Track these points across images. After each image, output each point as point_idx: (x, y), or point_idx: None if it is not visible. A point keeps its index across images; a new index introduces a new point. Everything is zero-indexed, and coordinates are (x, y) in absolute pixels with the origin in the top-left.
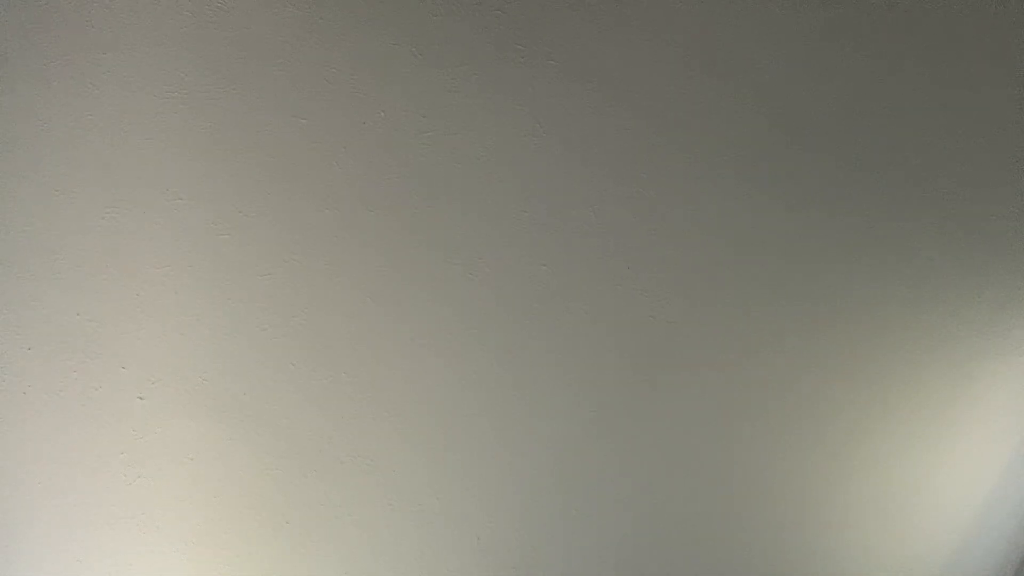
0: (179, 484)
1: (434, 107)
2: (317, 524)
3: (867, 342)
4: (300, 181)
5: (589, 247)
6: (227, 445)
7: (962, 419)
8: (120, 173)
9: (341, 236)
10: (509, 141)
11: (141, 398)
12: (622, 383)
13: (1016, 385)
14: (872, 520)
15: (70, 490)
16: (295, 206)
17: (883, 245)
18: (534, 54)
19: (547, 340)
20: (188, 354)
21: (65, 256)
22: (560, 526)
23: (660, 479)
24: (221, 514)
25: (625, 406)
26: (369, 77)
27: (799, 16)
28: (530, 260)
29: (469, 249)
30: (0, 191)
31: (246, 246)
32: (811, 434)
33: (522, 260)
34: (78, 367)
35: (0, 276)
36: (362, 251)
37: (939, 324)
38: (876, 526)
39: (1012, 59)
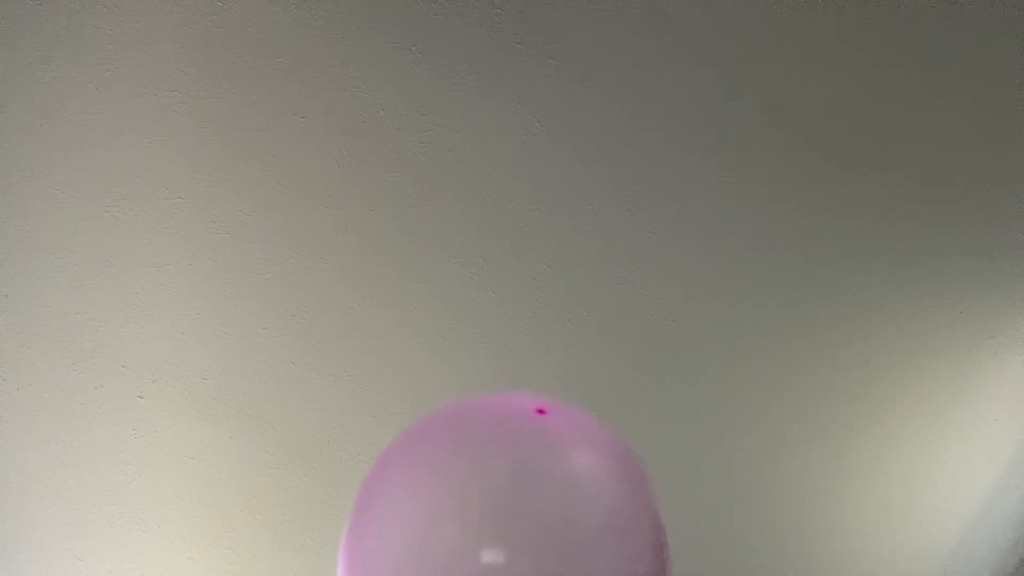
0: (179, 484)
1: (434, 107)
2: (317, 524)
3: (867, 341)
4: (300, 181)
5: (589, 247)
6: (227, 445)
7: (962, 418)
8: (120, 173)
9: (341, 236)
10: (509, 141)
11: (141, 397)
12: (622, 383)
13: (1016, 384)
14: (872, 520)
15: (70, 490)
16: (295, 206)
17: (884, 245)
18: (534, 54)
19: (547, 340)
20: (188, 353)
21: (65, 256)
22: None
23: (659, 478)
24: (221, 514)
25: (625, 405)
26: (369, 77)
27: (801, 16)
28: (530, 260)
29: (469, 249)
30: (1, 191)
31: (246, 246)
32: (811, 433)
33: (522, 260)
34: (78, 366)
35: (0, 276)
36: (362, 251)
37: (939, 323)
38: (876, 526)
39: (1017, 59)
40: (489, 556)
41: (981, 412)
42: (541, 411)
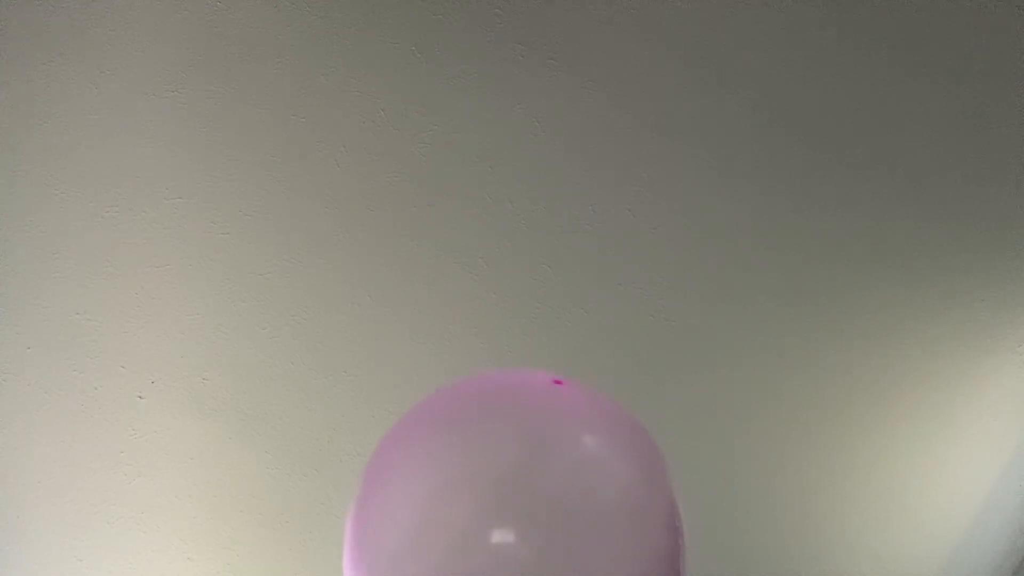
0: (179, 484)
1: (434, 107)
2: (317, 524)
3: (866, 341)
4: (300, 181)
5: (589, 247)
6: (227, 445)
7: (962, 418)
8: (120, 173)
9: (341, 236)
10: (509, 141)
11: (141, 397)
12: (622, 382)
13: (1016, 384)
14: (872, 519)
15: (70, 490)
16: (295, 206)
17: (883, 245)
18: (534, 54)
19: (547, 339)
20: (188, 353)
21: (65, 256)
22: None
23: None
24: (221, 514)
25: (624, 405)
26: (369, 77)
27: (801, 15)
28: (530, 260)
29: (469, 249)
30: (1, 191)
31: (246, 246)
32: (810, 434)
33: (522, 260)
34: (78, 367)
35: (0, 276)
36: (362, 251)
37: (939, 323)
38: (876, 525)
39: (1018, 59)
40: (498, 536)
41: (981, 412)
42: (558, 382)
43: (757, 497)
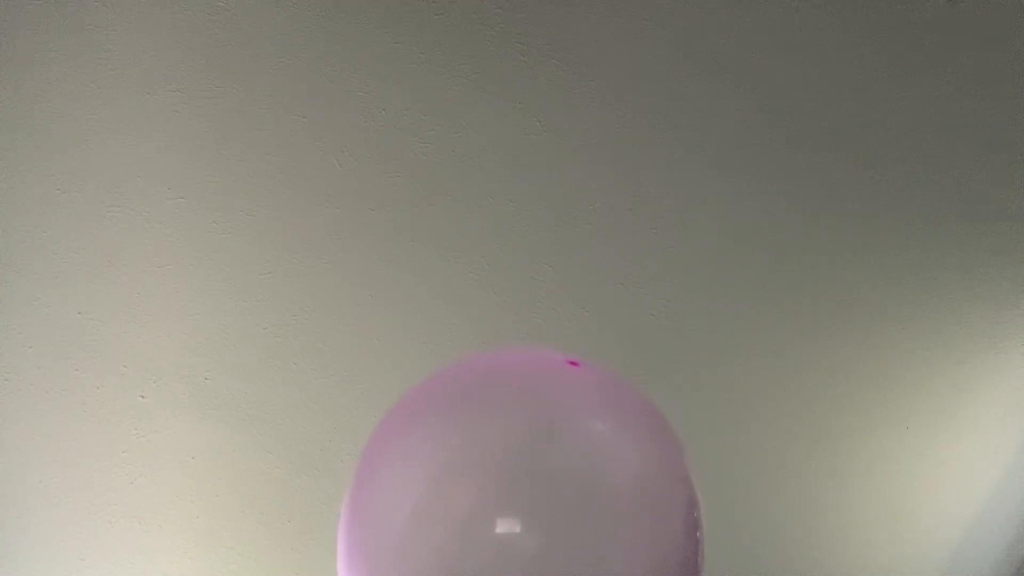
0: (180, 484)
1: (434, 106)
2: (317, 524)
3: (867, 342)
4: (301, 180)
5: (589, 247)
6: (228, 445)
7: (962, 418)
8: (120, 173)
9: (342, 235)
10: (509, 141)
11: (142, 397)
12: None
13: (1016, 384)
14: (872, 520)
15: (71, 489)
16: (296, 205)
17: (883, 244)
18: (534, 53)
19: (547, 339)
20: (189, 353)
21: (65, 256)
22: None
23: None
24: (221, 514)
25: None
26: (369, 77)
27: (801, 15)
28: (530, 260)
29: (469, 249)
30: (1, 191)
31: (247, 245)
32: (811, 434)
33: (523, 259)
34: (79, 367)
35: (0, 276)
36: (362, 250)
37: (939, 323)
38: (876, 526)
39: (1015, 59)
40: (503, 526)
41: (981, 412)
42: (573, 363)
43: (757, 498)
